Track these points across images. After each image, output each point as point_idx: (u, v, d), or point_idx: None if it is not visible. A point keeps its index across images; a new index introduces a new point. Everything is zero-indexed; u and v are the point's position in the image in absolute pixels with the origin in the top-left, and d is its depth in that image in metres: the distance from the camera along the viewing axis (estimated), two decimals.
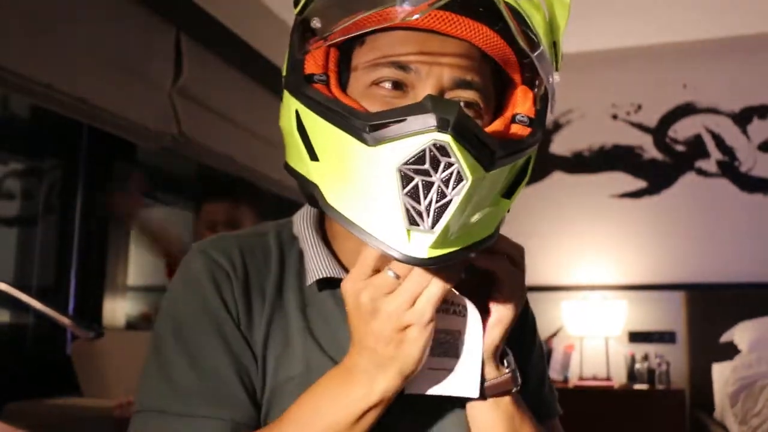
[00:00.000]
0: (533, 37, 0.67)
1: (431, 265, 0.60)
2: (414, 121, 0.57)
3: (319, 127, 0.64)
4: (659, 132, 4.14)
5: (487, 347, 0.71)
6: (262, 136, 2.99)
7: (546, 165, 4.25)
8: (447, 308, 0.69)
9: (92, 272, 2.63)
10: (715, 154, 4.04)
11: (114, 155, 2.73)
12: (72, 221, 2.61)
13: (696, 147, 4.08)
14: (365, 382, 0.65)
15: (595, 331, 3.86)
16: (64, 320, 1.71)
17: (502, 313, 0.70)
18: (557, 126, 4.27)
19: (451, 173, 0.57)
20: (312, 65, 0.67)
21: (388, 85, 0.68)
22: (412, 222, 0.58)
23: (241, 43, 2.84)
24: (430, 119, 0.57)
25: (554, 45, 0.73)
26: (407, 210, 0.58)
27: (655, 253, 4.03)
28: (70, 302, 2.55)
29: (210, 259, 0.74)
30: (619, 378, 3.90)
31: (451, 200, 0.58)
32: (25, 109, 2.60)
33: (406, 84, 0.68)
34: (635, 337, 3.97)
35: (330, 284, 0.76)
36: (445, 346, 0.69)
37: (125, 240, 2.80)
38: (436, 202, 0.58)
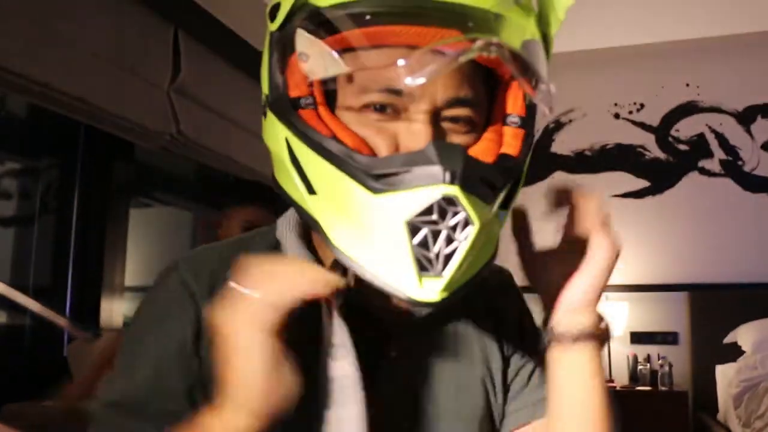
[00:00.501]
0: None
1: (442, 306, 0.60)
2: (421, 173, 0.58)
3: (314, 162, 0.62)
4: (662, 131, 4.12)
5: (597, 283, 0.74)
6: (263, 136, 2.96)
7: (548, 165, 4.23)
8: (333, 352, 0.66)
9: (89, 273, 2.61)
10: (719, 154, 4.03)
11: (112, 155, 2.71)
12: (69, 221, 2.59)
13: (699, 146, 4.06)
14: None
15: None
16: (61, 321, 1.68)
17: (606, 255, 0.73)
18: (559, 125, 4.25)
19: (459, 221, 0.58)
20: (296, 86, 0.64)
21: (379, 108, 0.65)
22: (423, 269, 0.59)
23: (240, 42, 2.82)
24: (437, 172, 0.57)
25: (545, 38, 0.71)
26: (417, 259, 0.58)
27: (658, 253, 4.01)
28: (67, 303, 2.53)
29: (179, 279, 0.72)
30: (621, 379, 3.88)
31: (459, 245, 0.59)
32: (22, 108, 2.58)
33: (398, 107, 0.65)
34: (637, 337, 3.95)
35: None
36: (341, 394, 0.65)
37: (123, 240, 2.78)
38: (445, 247, 0.58)
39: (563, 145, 4.24)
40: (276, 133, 0.66)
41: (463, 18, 0.62)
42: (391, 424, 0.72)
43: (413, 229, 0.58)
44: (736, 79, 4.03)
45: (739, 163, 4.00)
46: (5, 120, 2.58)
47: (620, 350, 3.95)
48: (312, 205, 0.64)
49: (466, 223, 0.58)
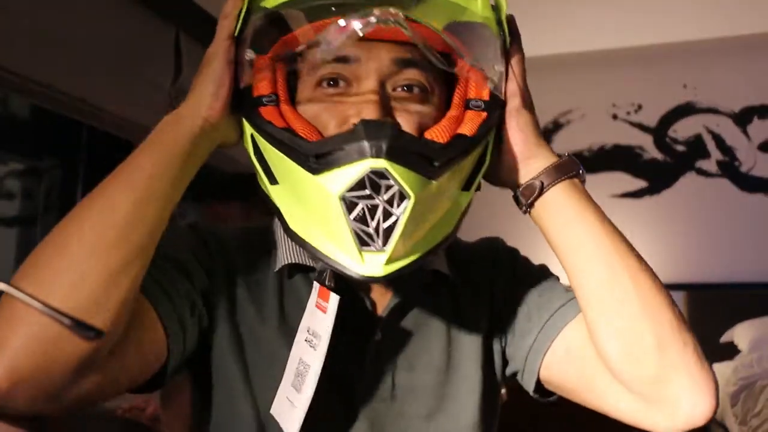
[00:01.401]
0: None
1: (390, 280, 0.64)
2: (350, 150, 0.61)
3: (272, 153, 0.67)
4: (659, 132, 4.13)
5: (523, 130, 0.72)
6: None
7: None
8: (309, 339, 0.70)
9: None
10: (716, 154, 4.04)
11: (114, 155, 2.73)
12: None
13: (696, 147, 4.07)
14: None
15: None
16: (64, 320, 1.70)
17: (520, 94, 0.73)
18: (557, 126, 4.26)
19: (394, 194, 0.60)
20: (260, 86, 0.69)
21: (331, 83, 0.69)
22: (364, 243, 0.62)
23: None
24: (365, 147, 0.60)
25: (500, 23, 0.74)
26: (357, 234, 0.61)
27: (655, 252, 4.02)
28: None
29: (198, 231, 0.79)
30: None
31: (398, 219, 0.61)
32: (24, 109, 2.60)
33: (348, 78, 0.69)
34: None
35: (302, 273, 0.77)
36: (299, 379, 0.69)
37: None
38: (384, 221, 0.61)
39: (561, 145, 4.25)
40: (246, 132, 0.71)
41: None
42: (372, 403, 0.75)
43: (349, 205, 0.61)
44: (733, 80, 4.04)
45: (736, 163, 4.01)
46: (8, 121, 2.60)
47: None
48: (275, 194, 0.69)
49: (402, 196, 0.60)
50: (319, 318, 0.70)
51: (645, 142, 4.14)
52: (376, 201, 0.61)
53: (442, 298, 0.81)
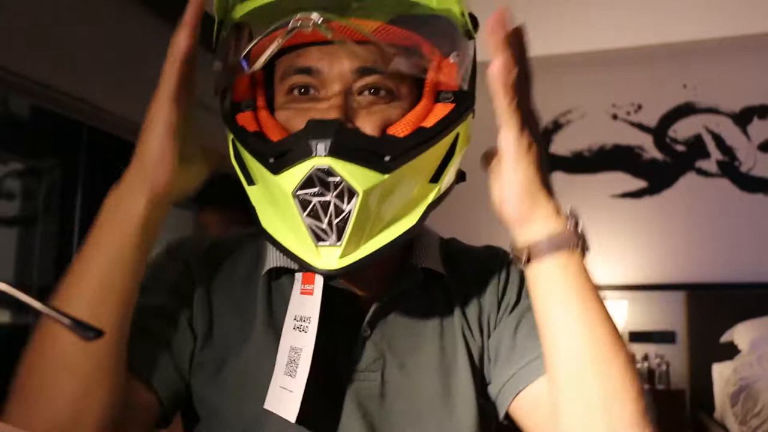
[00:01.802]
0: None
1: (347, 273, 0.66)
2: (298, 149, 0.63)
3: (246, 155, 0.70)
4: (659, 132, 4.14)
5: (519, 188, 0.67)
6: None
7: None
8: (298, 325, 0.71)
9: None
10: (716, 154, 4.04)
11: (114, 155, 2.73)
12: (72, 221, 2.61)
13: (696, 147, 4.08)
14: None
15: None
16: (64, 320, 1.70)
17: (513, 147, 0.66)
18: (557, 126, 4.26)
19: (342, 189, 0.63)
20: (239, 92, 0.73)
21: (298, 91, 0.72)
22: (320, 239, 0.65)
23: None
24: (310, 145, 0.63)
25: (462, 14, 0.72)
26: (312, 230, 0.64)
27: (656, 252, 4.03)
28: None
29: (177, 254, 0.81)
30: None
31: (349, 214, 0.63)
32: (25, 109, 2.60)
33: (316, 85, 0.71)
34: (635, 337, 3.97)
35: (289, 274, 0.78)
36: (291, 366, 0.70)
37: None
38: (336, 217, 0.64)
39: (561, 145, 4.26)
40: (227, 137, 0.74)
41: (345, 3, 0.67)
42: (361, 400, 0.74)
43: (303, 202, 0.64)
44: (732, 80, 4.05)
45: (736, 163, 4.01)
46: (8, 121, 2.60)
47: None
48: (251, 194, 0.72)
49: (351, 191, 0.63)
50: (306, 302, 0.71)
51: (645, 142, 4.14)
52: (327, 198, 0.63)
53: (436, 297, 0.81)
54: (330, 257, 0.65)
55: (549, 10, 3.71)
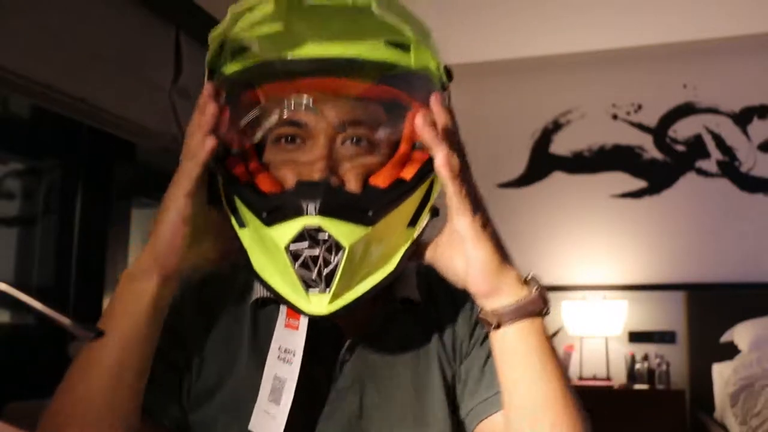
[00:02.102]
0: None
1: (335, 316, 0.72)
2: (289, 208, 0.70)
3: (237, 201, 0.76)
4: (659, 132, 4.14)
5: (484, 267, 0.73)
6: None
7: (546, 165, 4.24)
8: (283, 356, 0.78)
9: (92, 272, 2.63)
10: (716, 154, 4.04)
11: (114, 155, 2.73)
12: (72, 221, 2.61)
13: (696, 147, 4.07)
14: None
15: (595, 331, 3.85)
16: (64, 320, 1.70)
17: (471, 230, 0.72)
18: (557, 126, 4.26)
19: (330, 245, 0.70)
20: (228, 138, 0.77)
21: (285, 140, 0.78)
22: (309, 287, 0.72)
23: None
24: (300, 206, 0.70)
25: (438, 68, 0.79)
26: (302, 278, 0.71)
27: (656, 253, 4.02)
28: (69, 302, 2.55)
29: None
30: (619, 378, 3.90)
31: (336, 265, 0.70)
32: (24, 109, 2.60)
33: (303, 136, 0.77)
34: (635, 337, 3.97)
35: (275, 303, 0.84)
36: (275, 394, 0.77)
37: (125, 240, 2.79)
38: (324, 267, 0.70)
39: (561, 145, 4.25)
40: (218, 179, 0.79)
41: (327, 66, 0.73)
42: (341, 420, 0.81)
43: (294, 255, 0.71)
44: (732, 80, 4.04)
45: (736, 163, 4.01)
46: (8, 121, 2.60)
47: (618, 349, 3.96)
48: (243, 236, 0.77)
49: (338, 246, 0.70)
50: (290, 335, 0.78)
51: (645, 142, 4.14)
52: (316, 251, 0.70)
53: (412, 323, 0.87)
54: (319, 303, 0.72)
55: (549, 10, 3.70)
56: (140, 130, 2.39)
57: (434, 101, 0.73)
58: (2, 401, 1.98)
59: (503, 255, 0.74)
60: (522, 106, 4.28)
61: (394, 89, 0.77)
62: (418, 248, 0.78)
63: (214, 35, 0.76)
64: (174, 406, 0.82)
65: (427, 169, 0.75)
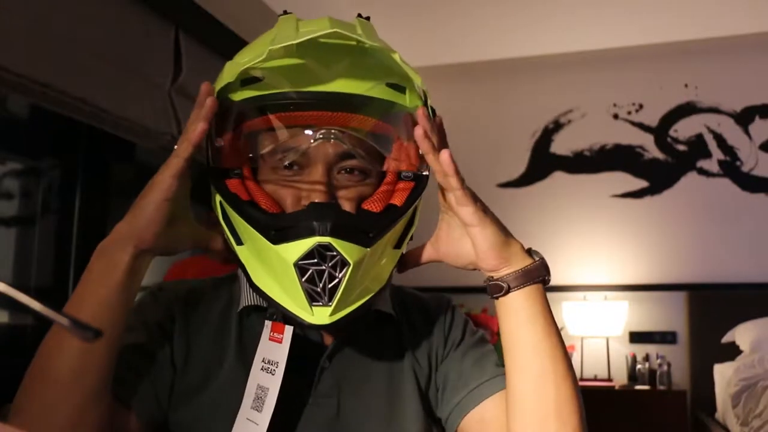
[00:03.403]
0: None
1: (334, 326, 0.78)
2: (302, 228, 0.77)
3: (238, 220, 0.81)
4: (660, 132, 4.13)
5: (492, 246, 0.81)
6: None
7: (547, 165, 4.24)
8: (266, 367, 0.83)
9: None
10: (717, 154, 4.04)
11: (113, 155, 2.72)
12: (71, 221, 2.60)
13: (697, 147, 4.07)
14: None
15: (596, 331, 3.85)
16: (63, 321, 1.69)
17: (476, 216, 0.80)
18: (558, 126, 4.26)
19: (337, 261, 0.76)
20: (228, 158, 0.83)
21: (285, 166, 0.83)
22: (314, 300, 0.77)
23: (241, 42, 2.83)
24: (314, 226, 0.76)
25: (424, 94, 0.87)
26: (308, 292, 0.77)
27: (657, 253, 4.02)
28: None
29: (161, 297, 0.94)
30: (620, 378, 3.89)
31: (340, 280, 0.77)
32: (23, 109, 2.59)
33: (302, 163, 0.83)
34: (636, 337, 3.96)
35: (259, 312, 0.91)
36: (257, 402, 0.82)
37: None
38: (329, 282, 0.77)
39: (562, 145, 4.25)
40: (214, 198, 0.85)
41: (333, 100, 0.80)
42: (320, 422, 0.87)
43: (302, 270, 0.76)
44: (734, 79, 4.04)
45: (738, 163, 4.01)
46: (7, 120, 2.59)
47: (619, 350, 3.96)
48: (241, 253, 0.83)
49: (343, 263, 0.76)
50: (274, 348, 0.84)
51: (646, 142, 4.13)
52: (323, 267, 0.76)
53: (386, 334, 0.95)
54: (322, 314, 0.77)
55: (549, 10, 3.70)
56: (139, 130, 2.38)
57: (421, 115, 0.80)
58: (2, 401, 1.97)
59: (506, 231, 0.83)
60: (523, 106, 4.27)
61: (390, 126, 0.85)
62: (401, 265, 0.88)
63: (230, 65, 0.84)
64: (150, 397, 0.85)
65: (414, 196, 0.83)
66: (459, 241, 0.84)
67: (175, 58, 2.50)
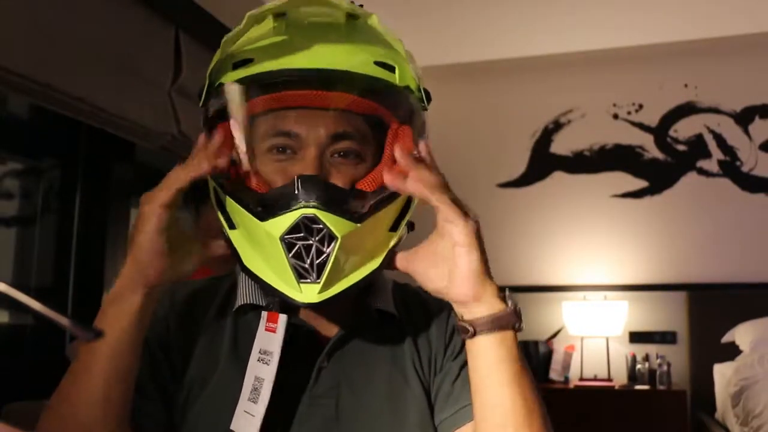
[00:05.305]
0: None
1: (324, 305, 0.78)
2: (287, 200, 0.76)
3: (230, 202, 0.81)
4: (660, 132, 4.13)
5: (471, 274, 0.77)
6: None
7: (547, 165, 4.24)
8: (262, 357, 0.83)
9: (91, 272, 2.62)
10: (717, 154, 4.04)
11: (113, 155, 2.72)
12: (71, 221, 2.60)
13: (697, 147, 4.07)
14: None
15: (596, 331, 3.85)
16: (63, 321, 1.70)
17: (464, 236, 0.76)
18: (558, 126, 4.26)
19: (324, 235, 0.75)
20: (222, 143, 0.82)
21: (279, 149, 0.83)
22: (302, 276, 0.76)
23: None
24: (299, 198, 0.75)
25: (419, 88, 0.87)
26: (295, 268, 0.76)
27: (656, 253, 4.02)
28: (68, 302, 2.54)
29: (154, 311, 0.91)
30: (619, 378, 3.89)
31: (328, 256, 0.75)
32: (23, 109, 2.59)
33: (294, 147, 0.82)
34: (636, 337, 3.96)
35: (256, 311, 0.90)
36: (254, 393, 0.82)
37: (124, 240, 2.79)
38: (317, 258, 0.76)
39: (562, 145, 4.25)
40: (209, 186, 0.84)
41: (319, 77, 0.79)
42: (318, 423, 0.85)
43: (289, 245, 0.76)
44: (734, 79, 4.04)
45: (737, 163, 4.01)
46: (7, 120, 2.59)
47: (619, 350, 3.96)
48: (233, 237, 0.83)
49: (331, 237, 0.75)
50: (269, 338, 0.83)
51: (646, 142, 4.13)
52: (310, 241, 0.75)
53: (388, 333, 0.92)
54: (310, 292, 0.77)
55: (549, 10, 3.70)
56: (140, 130, 2.38)
57: (406, 133, 0.82)
58: (2, 401, 1.97)
59: (488, 267, 0.79)
60: (522, 106, 4.27)
61: (377, 104, 0.84)
62: (394, 255, 0.84)
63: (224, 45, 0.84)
64: (159, 413, 0.86)
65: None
66: (436, 263, 0.80)
67: (175, 58, 2.49)
